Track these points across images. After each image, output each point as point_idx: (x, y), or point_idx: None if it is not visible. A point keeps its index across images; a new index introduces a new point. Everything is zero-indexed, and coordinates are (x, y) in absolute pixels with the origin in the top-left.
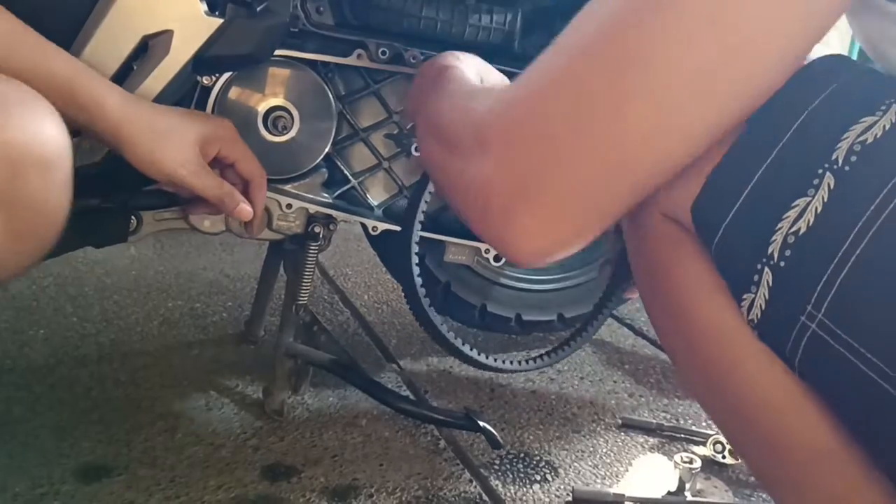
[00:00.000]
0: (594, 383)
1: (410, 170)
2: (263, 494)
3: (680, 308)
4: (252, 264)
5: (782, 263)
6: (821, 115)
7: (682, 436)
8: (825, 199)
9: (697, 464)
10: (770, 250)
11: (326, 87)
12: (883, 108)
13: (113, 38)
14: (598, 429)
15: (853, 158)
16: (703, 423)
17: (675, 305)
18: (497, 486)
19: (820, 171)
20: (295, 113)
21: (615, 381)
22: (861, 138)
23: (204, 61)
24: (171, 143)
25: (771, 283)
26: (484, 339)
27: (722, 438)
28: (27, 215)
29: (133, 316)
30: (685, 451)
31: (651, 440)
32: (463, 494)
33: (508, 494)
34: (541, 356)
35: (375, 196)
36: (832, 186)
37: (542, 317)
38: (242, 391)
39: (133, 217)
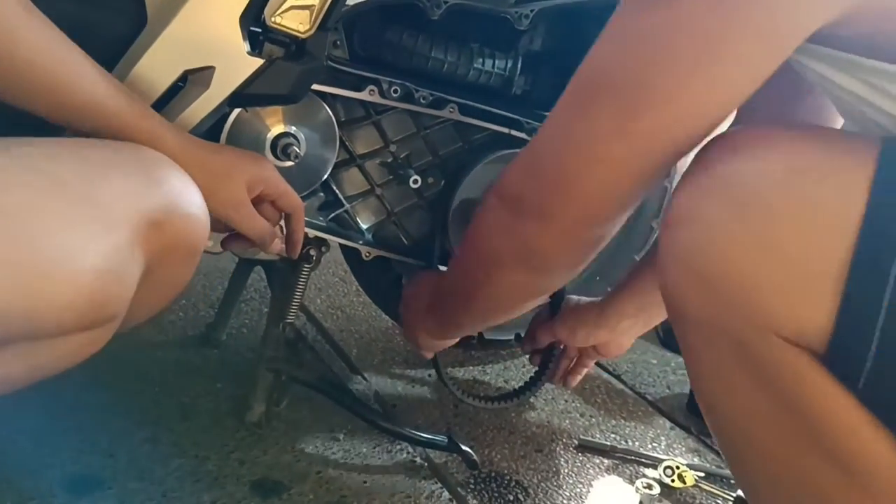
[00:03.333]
0: (548, 402)
1: (400, 196)
2: None
3: (821, 435)
4: (203, 261)
5: None
6: None
7: (633, 458)
8: None
9: (657, 490)
10: None
11: (332, 117)
12: None
13: (155, 70)
14: (558, 448)
15: None
16: (649, 446)
17: (814, 432)
18: None
19: None
20: (303, 140)
21: (566, 401)
22: None
23: (240, 98)
24: (223, 186)
25: None
26: None
27: (672, 463)
28: (159, 288)
29: None
30: (641, 475)
31: (606, 462)
32: None
33: None
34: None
35: (365, 220)
36: None
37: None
38: (215, 399)
39: None
